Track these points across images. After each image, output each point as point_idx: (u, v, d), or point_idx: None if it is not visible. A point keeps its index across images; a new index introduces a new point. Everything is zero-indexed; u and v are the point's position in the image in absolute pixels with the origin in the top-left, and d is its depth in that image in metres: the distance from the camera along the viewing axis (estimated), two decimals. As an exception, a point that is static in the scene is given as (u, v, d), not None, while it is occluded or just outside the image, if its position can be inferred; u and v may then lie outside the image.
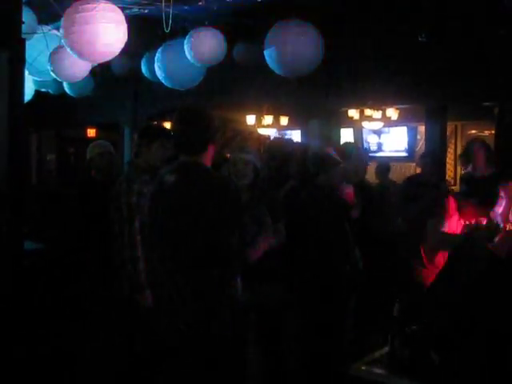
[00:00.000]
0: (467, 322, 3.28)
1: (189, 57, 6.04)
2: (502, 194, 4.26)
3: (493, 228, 4.11)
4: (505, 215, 4.46)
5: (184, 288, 3.17)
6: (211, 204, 3.09)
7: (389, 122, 10.54)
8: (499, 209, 4.27)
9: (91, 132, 13.33)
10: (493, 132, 8.68)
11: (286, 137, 11.41)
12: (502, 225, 4.52)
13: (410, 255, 4.71)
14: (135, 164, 4.48)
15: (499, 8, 5.39)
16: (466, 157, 6.09)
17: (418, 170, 10.55)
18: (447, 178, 9.56)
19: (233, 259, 3.20)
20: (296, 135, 12.28)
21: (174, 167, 3.33)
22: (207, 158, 3.26)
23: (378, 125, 10.42)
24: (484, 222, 4.34)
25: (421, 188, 6.58)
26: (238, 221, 3.20)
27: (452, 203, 4.52)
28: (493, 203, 4.25)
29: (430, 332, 3.16)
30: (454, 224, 4.57)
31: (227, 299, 3.19)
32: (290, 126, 11.91)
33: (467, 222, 4.49)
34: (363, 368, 3.15)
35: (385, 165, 8.30)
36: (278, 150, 5.00)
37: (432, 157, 7.44)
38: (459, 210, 4.53)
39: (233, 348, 3.21)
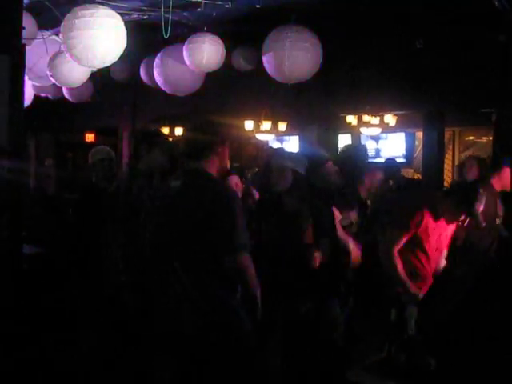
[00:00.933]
0: (464, 326, 3.30)
1: (187, 62, 6.06)
2: (481, 191, 4.30)
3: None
4: (485, 213, 4.50)
5: (179, 286, 3.24)
6: (207, 208, 3.19)
7: (387, 128, 10.56)
8: (480, 207, 4.31)
9: (90, 137, 13.33)
10: (490, 138, 8.71)
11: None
12: (483, 223, 4.54)
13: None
14: (135, 168, 4.54)
15: (497, 14, 5.43)
16: (459, 171, 6.16)
17: (417, 176, 10.60)
18: (445, 184, 9.57)
19: (222, 262, 3.24)
20: (294, 141, 12.31)
21: (180, 173, 3.52)
22: (212, 166, 3.41)
23: (376, 131, 10.44)
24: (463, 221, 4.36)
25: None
26: (231, 224, 3.22)
27: (427, 216, 4.39)
28: (470, 202, 4.27)
29: (426, 337, 3.19)
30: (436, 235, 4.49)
31: (220, 299, 3.23)
32: (288, 132, 11.92)
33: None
34: (361, 373, 3.17)
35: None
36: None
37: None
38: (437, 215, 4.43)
39: (230, 349, 3.25)
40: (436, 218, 4.36)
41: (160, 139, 4.68)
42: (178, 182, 3.43)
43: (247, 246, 3.24)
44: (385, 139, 11.88)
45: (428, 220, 4.37)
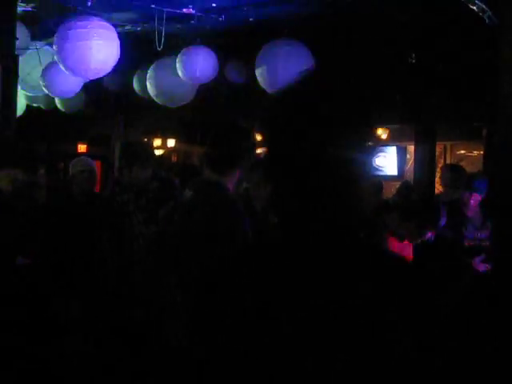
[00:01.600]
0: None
1: (180, 74, 6.09)
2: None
3: None
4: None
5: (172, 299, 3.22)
6: (214, 224, 3.08)
7: (379, 141, 10.61)
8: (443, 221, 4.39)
9: (82, 147, 13.30)
10: (481, 152, 8.77)
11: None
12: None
13: None
14: (121, 183, 4.54)
15: (487, 31, 5.48)
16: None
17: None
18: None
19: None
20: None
21: (194, 183, 3.34)
22: (232, 181, 3.14)
23: (368, 144, 10.49)
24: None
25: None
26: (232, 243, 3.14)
27: (392, 241, 4.46)
28: (432, 225, 4.32)
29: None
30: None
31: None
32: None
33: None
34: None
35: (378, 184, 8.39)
36: None
37: None
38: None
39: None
40: (400, 241, 4.44)
41: (141, 154, 4.50)
42: (190, 192, 3.19)
43: None
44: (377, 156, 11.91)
45: (392, 245, 4.42)
